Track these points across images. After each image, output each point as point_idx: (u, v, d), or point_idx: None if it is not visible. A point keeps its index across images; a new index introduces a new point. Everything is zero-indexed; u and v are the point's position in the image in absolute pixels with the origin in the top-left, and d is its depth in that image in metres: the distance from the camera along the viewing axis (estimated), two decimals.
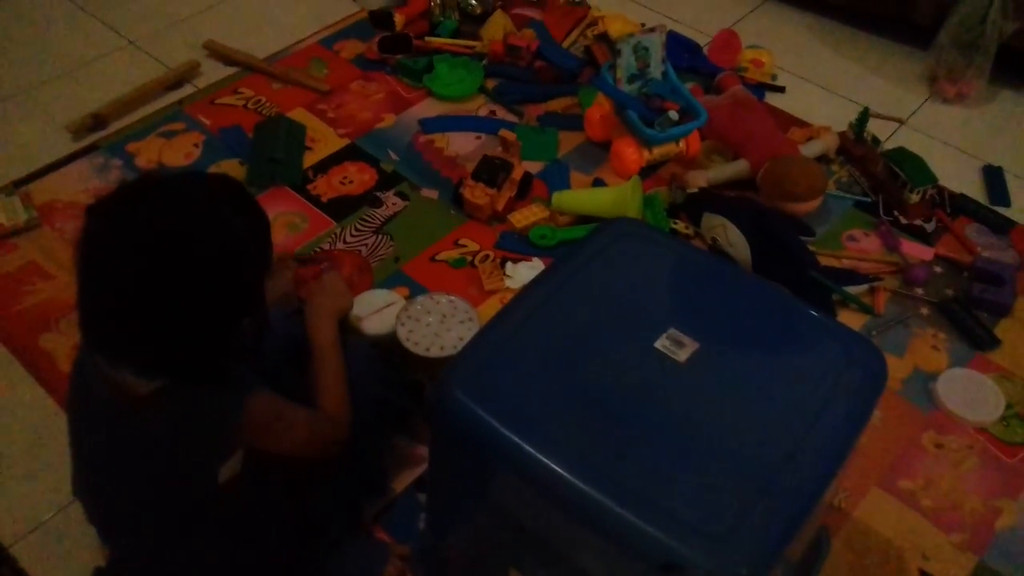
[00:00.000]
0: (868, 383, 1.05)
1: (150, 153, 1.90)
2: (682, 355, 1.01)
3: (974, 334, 1.61)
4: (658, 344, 1.02)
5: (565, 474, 0.91)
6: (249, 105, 2.03)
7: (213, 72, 2.13)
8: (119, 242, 0.92)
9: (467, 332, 1.39)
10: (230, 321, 0.98)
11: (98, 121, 1.96)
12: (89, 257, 0.93)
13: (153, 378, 0.97)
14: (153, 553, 1.11)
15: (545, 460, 0.92)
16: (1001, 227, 1.83)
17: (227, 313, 0.97)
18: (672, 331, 1.03)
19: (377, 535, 1.30)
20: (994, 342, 1.61)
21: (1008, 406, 1.50)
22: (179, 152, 1.90)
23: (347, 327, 1.44)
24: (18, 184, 1.81)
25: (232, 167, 1.87)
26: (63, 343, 1.53)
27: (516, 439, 0.93)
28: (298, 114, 2.01)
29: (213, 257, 0.93)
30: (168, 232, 0.92)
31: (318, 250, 1.69)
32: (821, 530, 1.27)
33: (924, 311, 1.66)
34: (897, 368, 1.55)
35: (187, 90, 2.08)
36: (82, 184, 1.83)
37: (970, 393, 1.51)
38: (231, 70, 2.13)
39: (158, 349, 0.94)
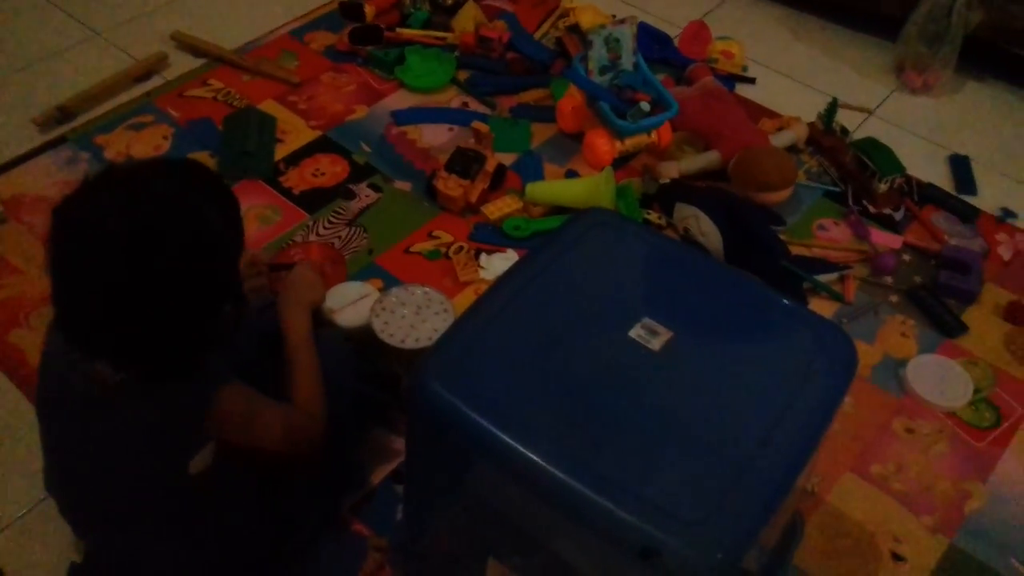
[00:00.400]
0: (839, 369, 1.06)
1: (119, 146, 1.88)
2: (656, 344, 1.02)
3: (942, 321, 1.64)
4: (632, 333, 1.03)
5: (542, 463, 0.91)
6: (219, 97, 2.01)
7: (182, 64, 2.10)
8: (89, 240, 0.91)
9: (442, 323, 1.39)
10: (210, 309, 0.97)
11: (65, 113, 1.93)
12: (60, 257, 0.91)
13: (133, 369, 0.96)
14: (127, 545, 1.10)
15: (522, 449, 0.92)
16: (968, 215, 1.86)
17: (206, 301, 0.96)
18: (646, 320, 1.04)
19: (354, 527, 1.29)
20: (962, 328, 1.63)
21: (976, 391, 1.53)
22: (148, 145, 1.88)
23: (321, 320, 1.44)
24: None
25: (202, 159, 1.85)
26: (33, 338, 1.50)
27: (493, 429, 0.94)
28: (269, 106, 1.99)
29: (186, 247, 0.93)
30: (139, 226, 0.91)
31: (291, 243, 1.68)
32: (795, 515, 1.28)
33: (893, 299, 1.69)
34: (867, 355, 1.57)
35: (156, 82, 2.05)
36: (50, 177, 1.80)
37: (939, 378, 1.54)
38: (200, 61, 2.11)
39: (139, 343, 0.94)
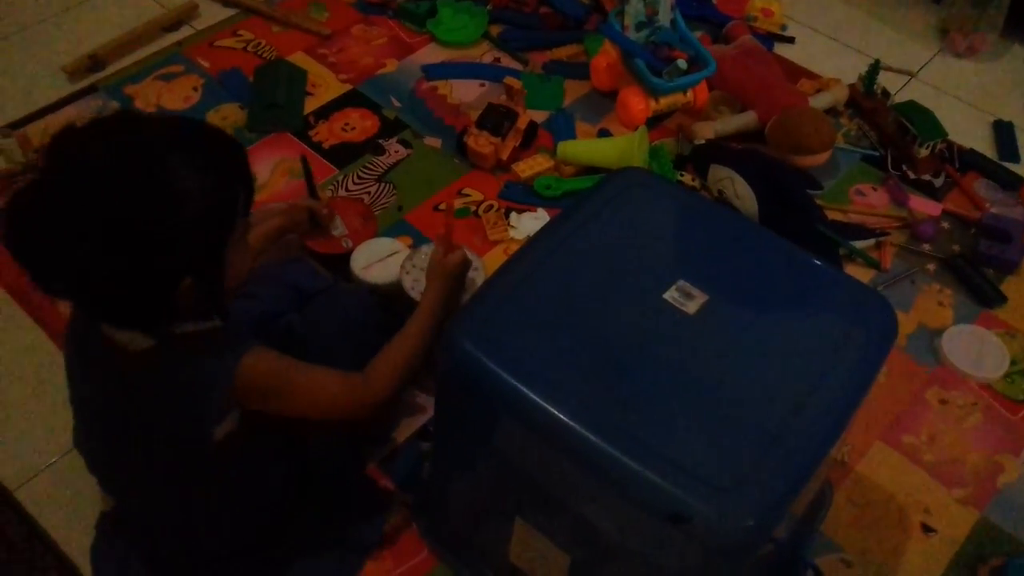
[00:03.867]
0: (878, 337, 1.04)
1: (149, 96, 1.87)
2: (691, 307, 1.00)
3: (980, 290, 1.61)
4: (667, 296, 1.01)
5: (573, 424, 0.90)
6: (249, 48, 1.99)
7: (212, 13, 2.08)
8: (55, 172, 0.87)
9: (472, 282, 1.38)
10: (162, 278, 0.90)
11: (96, 62, 1.92)
12: (33, 186, 0.88)
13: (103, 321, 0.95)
14: (152, 504, 1.11)
15: (553, 410, 0.91)
16: (1010, 183, 1.81)
17: (157, 268, 0.89)
18: (681, 283, 1.02)
19: (381, 483, 1.29)
20: (1000, 299, 1.60)
21: (1013, 362, 1.50)
22: (178, 96, 1.87)
23: (350, 275, 1.44)
24: (15, 126, 1.78)
25: (232, 111, 1.84)
26: None
27: (523, 388, 0.93)
28: (298, 58, 1.97)
29: (142, 206, 0.86)
30: (102, 172, 0.86)
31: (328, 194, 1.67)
32: (824, 484, 1.27)
33: (930, 267, 1.65)
34: (902, 324, 1.53)
35: (185, 31, 2.04)
36: None
37: (975, 349, 1.51)
38: (230, 12, 2.09)
39: (88, 292, 0.90)
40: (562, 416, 0.91)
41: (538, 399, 0.92)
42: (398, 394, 1.16)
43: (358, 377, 1.11)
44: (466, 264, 1.30)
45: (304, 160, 1.52)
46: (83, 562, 1.20)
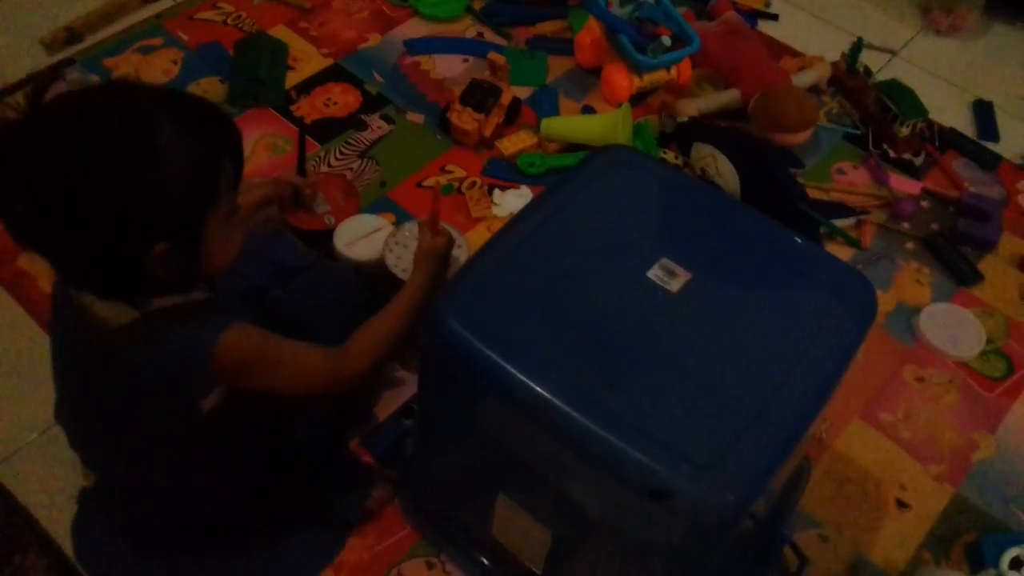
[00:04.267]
0: (857, 315, 1.05)
1: (127, 68, 1.84)
2: (674, 285, 1.01)
3: (958, 269, 1.62)
4: (650, 273, 1.01)
5: (555, 401, 0.91)
6: (229, 21, 1.97)
7: None
8: (37, 124, 0.86)
9: (456, 260, 1.38)
10: (135, 239, 0.88)
11: (73, 35, 1.89)
12: (11, 132, 0.85)
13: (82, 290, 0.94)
14: (134, 480, 1.10)
15: (536, 387, 0.91)
16: (989, 162, 1.83)
17: (131, 227, 0.87)
18: (664, 260, 1.03)
19: (363, 460, 1.30)
20: (977, 277, 1.62)
21: (989, 341, 1.52)
22: (157, 69, 1.85)
23: (333, 252, 1.43)
24: None
25: (212, 85, 1.82)
26: (42, 263, 1.48)
27: (507, 366, 0.93)
28: (280, 32, 1.95)
29: (120, 158, 0.85)
30: (83, 121, 0.85)
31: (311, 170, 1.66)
32: (803, 460, 1.29)
33: (910, 245, 1.67)
34: (881, 302, 1.54)
35: (165, 3, 2.01)
36: None
37: (952, 328, 1.53)
38: None
39: (62, 249, 0.90)
40: (545, 393, 0.91)
41: (521, 376, 0.92)
42: (375, 370, 1.15)
43: (338, 351, 1.11)
44: (451, 244, 1.30)
45: (301, 136, 1.49)
46: (65, 538, 1.20)
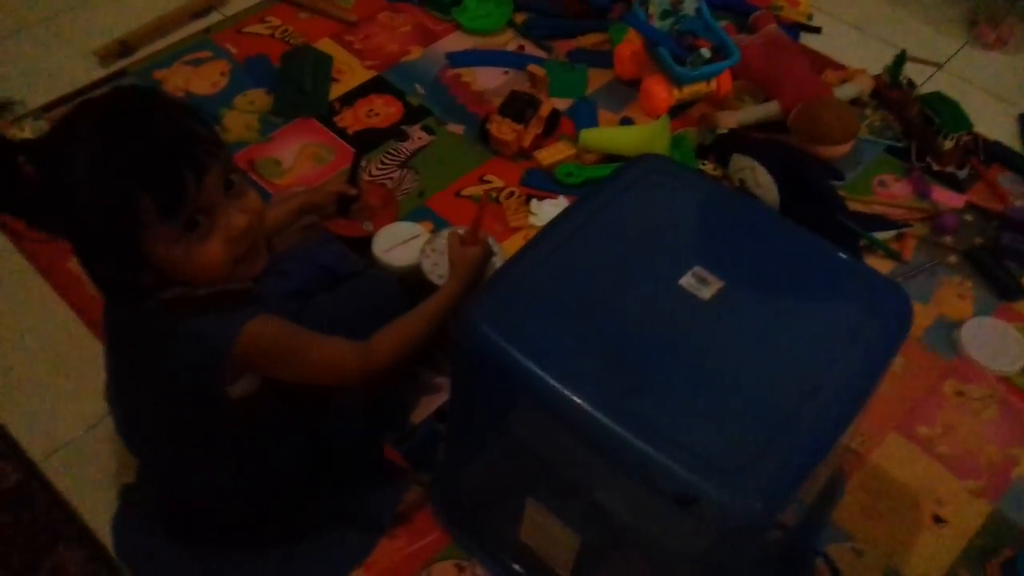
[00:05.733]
0: (892, 327, 1.04)
1: (177, 81, 1.89)
2: (706, 293, 1.01)
3: (1001, 283, 1.60)
4: (683, 281, 1.02)
5: (585, 405, 0.91)
6: (276, 34, 2.02)
7: (240, 0, 2.11)
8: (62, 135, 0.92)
9: (492, 268, 1.39)
10: (83, 255, 0.96)
11: (126, 47, 1.95)
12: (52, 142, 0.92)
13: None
14: (173, 463, 1.13)
15: (566, 392, 0.92)
16: None
17: (78, 245, 0.96)
18: (697, 268, 1.03)
19: (397, 462, 1.31)
20: (1021, 292, 1.59)
21: None
22: (206, 81, 1.90)
23: (372, 258, 1.46)
24: (47, 109, 1.81)
25: (259, 96, 1.86)
26: None
27: (538, 371, 0.94)
28: (324, 44, 1.99)
29: (46, 194, 0.91)
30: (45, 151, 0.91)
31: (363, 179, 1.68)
32: (837, 473, 1.28)
33: (952, 259, 1.64)
34: (921, 315, 1.54)
35: (214, 17, 2.06)
36: None
37: (993, 342, 1.50)
38: None
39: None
40: (574, 397, 0.92)
41: (553, 381, 0.93)
42: (394, 369, 1.16)
43: (362, 345, 1.13)
44: (488, 254, 1.31)
45: (357, 154, 1.52)
46: (105, 533, 1.23)
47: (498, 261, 1.39)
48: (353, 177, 1.50)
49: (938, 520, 1.31)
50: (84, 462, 1.31)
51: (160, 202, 0.89)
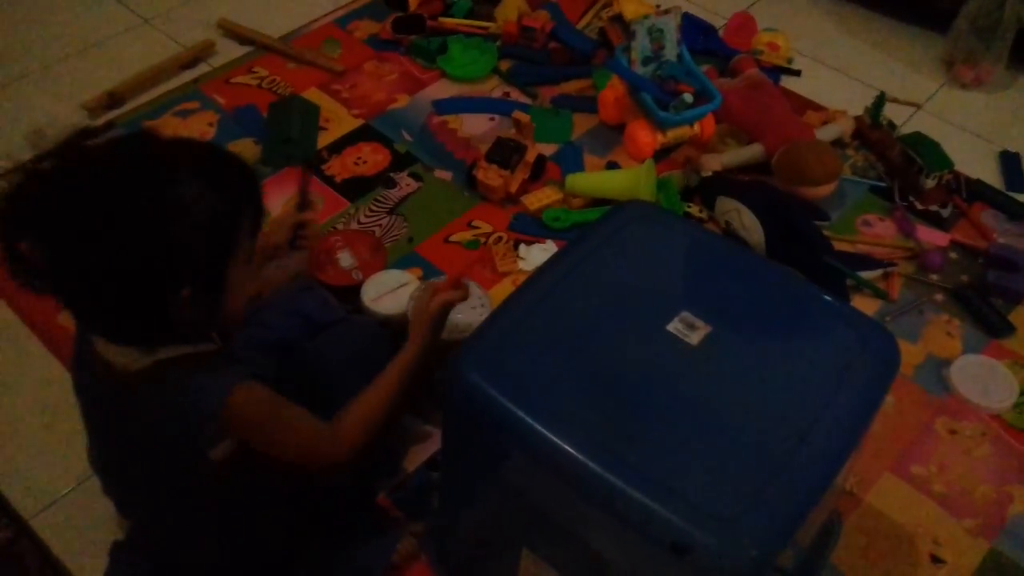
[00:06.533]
0: (881, 368, 1.04)
1: (165, 131, 1.88)
2: (694, 338, 1.01)
3: (989, 320, 1.61)
4: (670, 327, 1.02)
5: (576, 454, 0.91)
6: (264, 84, 2.03)
7: (227, 51, 2.13)
8: (64, 172, 0.90)
9: (478, 317, 1.39)
10: (160, 285, 0.90)
11: (115, 99, 1.96)
12: (39, 179, 0.90)
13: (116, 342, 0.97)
14: (162, 524, 1.12)
15: (557, 440, 0.92)
16: (1017, 213, 1.82)
17: (155, 274, 0.90)
18: (685, 314, 1.03)
19: (390, 512, 1.30)
20: (1009, 329, 1.60)
21: (1022, 393, 1.50)
22: (194, 131, 1.91)
23: (359, 307, 1.45)
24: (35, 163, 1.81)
25: (247, 146, 1.87)
26: None
27: (528, 420, 0.94)
28: (312, 94, 2.01)
29: (144, 210, 0.88)
30: (109, 171, 0.89)
31: (332, 230, 1.69)
32: (833, 515, 1.27)
33: (939, 297, 1.66)
34: (911, 354, 1.54)
35: (202, 69, 2.08)
36: None
37: (984, 379, 1.51)
38: (245, 49, 2.14)
39: (86, 296, 0.92)
40: (565, 446, 0.91)
41: (542, 429, 0.93)
42: (367, 447, 1.11)
43: (328, 430, 1.08)
44: (448, 308, 1.22)
45: (305, 168, 1.46)
46: None
47: (486, 310, 1.40)
48: (303, 200, 1.44)
49: (936, 560, 1.30)
50: (75, 518, 1.30)
51: (251, 218, 0.97)
